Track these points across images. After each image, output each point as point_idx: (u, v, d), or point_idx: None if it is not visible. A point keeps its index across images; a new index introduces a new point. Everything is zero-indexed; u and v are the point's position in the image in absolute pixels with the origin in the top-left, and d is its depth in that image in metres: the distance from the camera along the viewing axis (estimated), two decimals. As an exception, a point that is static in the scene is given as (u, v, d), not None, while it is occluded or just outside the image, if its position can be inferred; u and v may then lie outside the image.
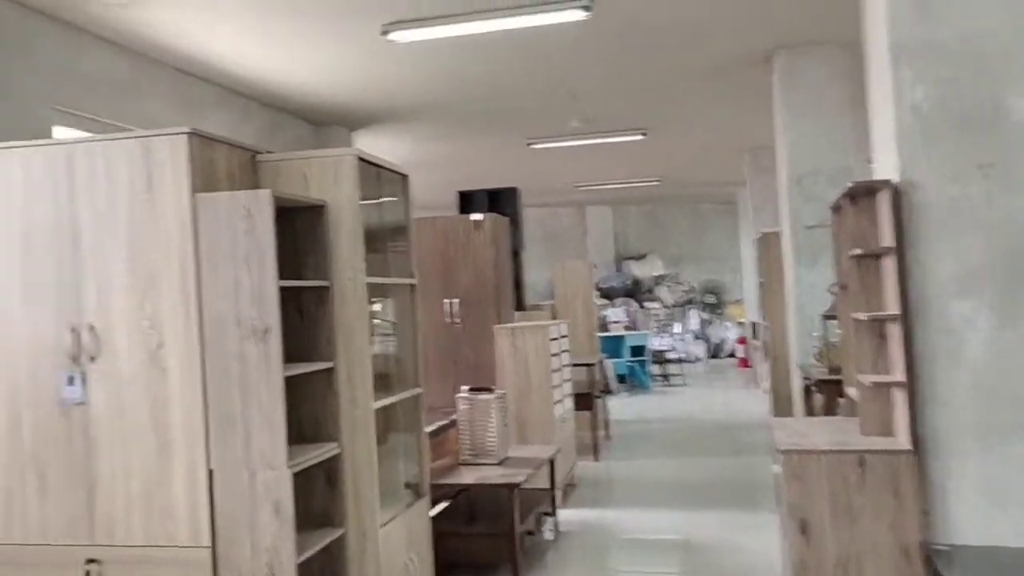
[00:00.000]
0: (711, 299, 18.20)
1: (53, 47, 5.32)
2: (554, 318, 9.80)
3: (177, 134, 3.14)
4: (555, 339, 6.69)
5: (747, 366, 15.34)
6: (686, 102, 8.63)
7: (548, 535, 5.63)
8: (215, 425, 3.12)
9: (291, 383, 3.31)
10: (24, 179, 3.27)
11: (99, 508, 3.21)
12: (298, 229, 3.50)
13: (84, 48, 5.59)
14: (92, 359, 3.20)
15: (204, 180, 3.20)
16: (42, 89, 5.22)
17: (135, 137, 3.20)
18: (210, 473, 3.13)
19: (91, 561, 3.20)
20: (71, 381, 3.19)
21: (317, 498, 3.48)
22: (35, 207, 3.26)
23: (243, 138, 6.15)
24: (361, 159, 3.56)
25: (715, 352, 17.72)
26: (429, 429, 4.92)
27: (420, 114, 8.63)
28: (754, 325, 13.57)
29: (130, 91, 6.05)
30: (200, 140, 3.19)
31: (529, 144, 10.23)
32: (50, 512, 3.25)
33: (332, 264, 3.49)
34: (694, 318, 17.77)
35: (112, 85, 5.87)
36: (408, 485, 4.05)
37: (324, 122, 8.71)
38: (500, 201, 8.75)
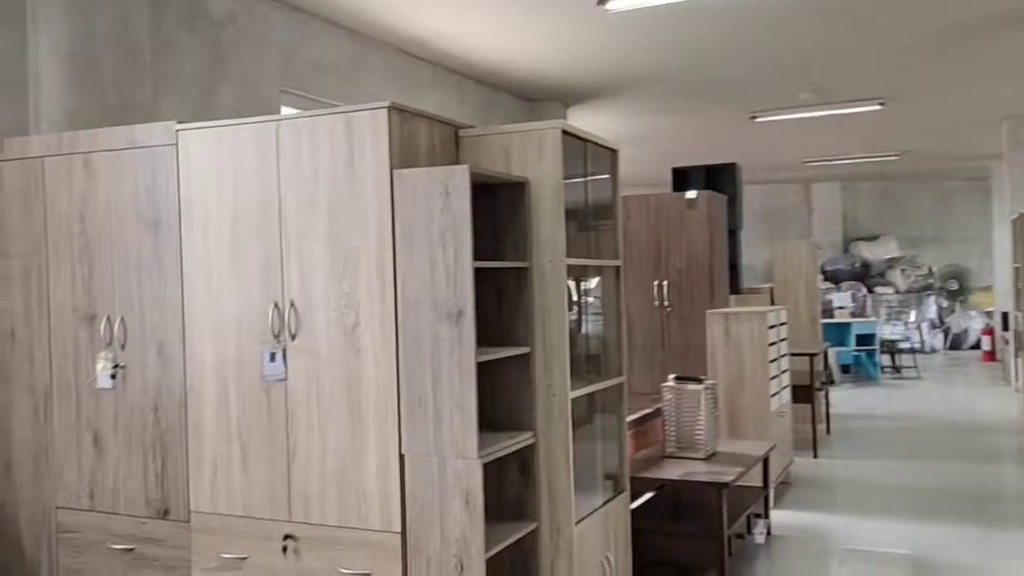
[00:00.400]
0: (953, 285, 16.58)
1: (282, 31, 5.51)
2: (772, 302, 9.24)
3: (377, 108, 3.06)
4: (773, 326, 6.22)
5: (993, 359, 13.87)
6: (932, 67, 7.75)
7: (759, 538, 5.24)
8: (407, 409, 3.04)
9: (485, 368, 3.18)
10: (236, 156, 3.32)
11: (295, 485, 3.23)
12: (498, 207, 3.35)
13: (310, 31, 5.76)
14: (293, 336, 3.21)
15: (404, 156, 3.11)
16: (272, 72, 5.43)
17: (337, 113, 3.15)
18: (402, 458, 3.06)
19: (288, 536, 3.24)
20: (272, 357, 3.22)
21: (509, 489, 3.33)
22: (246, 183, 3.31)
23: (459, 117, 6.13)
24: (566, 132, 3.35)
25: (955, 343, 16.18)
26: (631, 418, 4.68)
27: (636, 87, 8.31)
28: (1004, 315, 12.19)
29: (352, 72, 6.19)
30: (400, 114, 3.10)
31: (753, 117, 9.64)
32: (252, 486, 3.30)
33: (532, 244, 3.30)
34: (931, 305, 16.28)
35: (335, 66, 6.02)
36: (607, 476, 3.83)
37: (539, 98, 8.59)
38: (718, 178, 8.29)
